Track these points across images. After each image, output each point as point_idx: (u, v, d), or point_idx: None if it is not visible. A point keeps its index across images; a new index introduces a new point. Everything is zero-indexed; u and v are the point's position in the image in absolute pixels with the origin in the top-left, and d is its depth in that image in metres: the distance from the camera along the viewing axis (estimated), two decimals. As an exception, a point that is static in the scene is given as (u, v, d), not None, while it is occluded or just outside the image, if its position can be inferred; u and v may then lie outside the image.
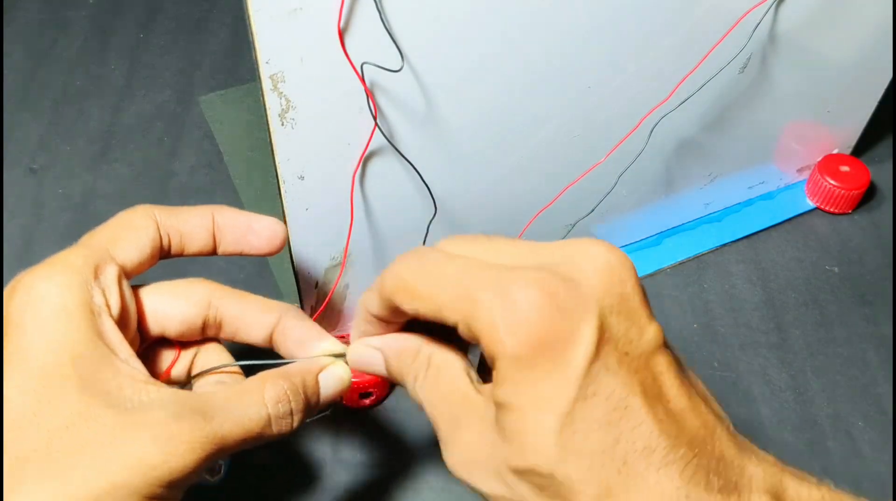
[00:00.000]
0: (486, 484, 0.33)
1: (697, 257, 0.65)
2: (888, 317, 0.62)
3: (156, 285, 0.41)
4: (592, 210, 0.56)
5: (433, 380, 0.36)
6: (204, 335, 0.41)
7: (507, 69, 0.46)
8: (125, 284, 0.38)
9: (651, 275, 0.64)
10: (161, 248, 0.40)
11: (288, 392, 0.37)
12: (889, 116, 0.73)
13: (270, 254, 0.42)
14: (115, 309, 0.37)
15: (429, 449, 0.54)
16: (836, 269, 0.65)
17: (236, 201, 0.66)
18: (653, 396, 0.31)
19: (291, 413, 0.38)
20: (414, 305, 0.33)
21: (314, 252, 0.49)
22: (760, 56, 0.55)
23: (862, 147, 0.71)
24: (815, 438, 0.55)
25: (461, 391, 0.35)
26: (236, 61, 0.78)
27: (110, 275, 0.38)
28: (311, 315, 0.53)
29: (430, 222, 0.50)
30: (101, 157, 0.70)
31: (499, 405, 0.32)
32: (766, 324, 0.61)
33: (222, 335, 0.42)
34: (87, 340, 0.34)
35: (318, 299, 0.52)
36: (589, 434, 0.30)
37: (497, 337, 0.31)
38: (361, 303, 0.38)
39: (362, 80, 0.41)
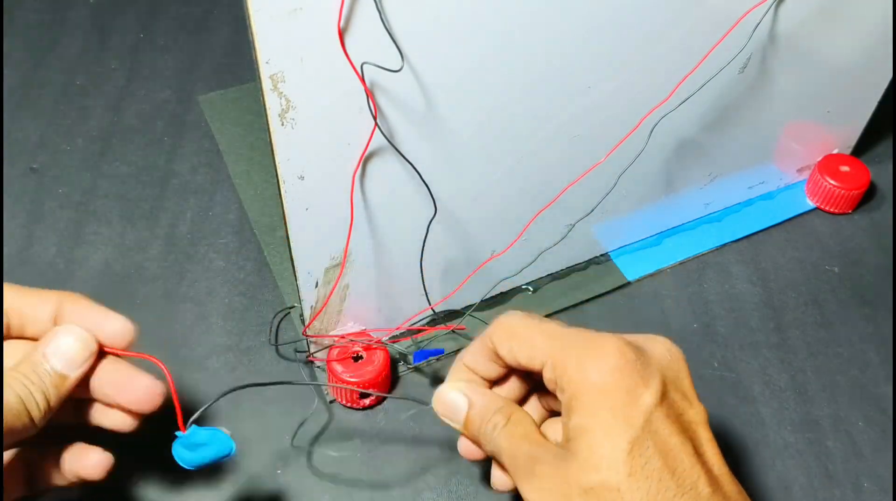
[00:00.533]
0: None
1: (698, 257, 0.65)
2: (888, 317, 0.62)
3: None
4: (592, 210, 0.56)
5: (512, 428, 0.42)
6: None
7: (507, 69, 0.46)
8: None
9: (651, 275, 0.64)
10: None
11: (21, 379, 0.38)
12: (889, 116, 0.73)
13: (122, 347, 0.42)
14: None
15: (428, 450, 0.54)
16: (836, 269, 0.65)
17: (236, 201, 0.66)
18: (698, 455, 0.39)
19: (32, 397, 0.38)
20: (513, 346, 0.42)
21: (314, 252, 0.49)
22: (760, 56, 0.55)
23: (862, 147, 0.71)
24: (815, 438, 0.55)
25: (535, 436, 0.42)
26: (236, 61, 0.78)
27: None
28: (311, 316, 0.53)
29: (431, 221, 0.50)
30: (101, 156, 0.70)
31: (575, 431, 0.38)
32: (766, 324, 0.61)
33: (14, 334, 0.41)
34: None
35: (318, 299, 0.52)
36: (652, 461, 0.37)
37: (583, 372, 0.39)
38: (459, 358, 0.46)
39: (362, 80, 0.41)
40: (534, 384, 0.46)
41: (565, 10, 0.44)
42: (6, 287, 0.41)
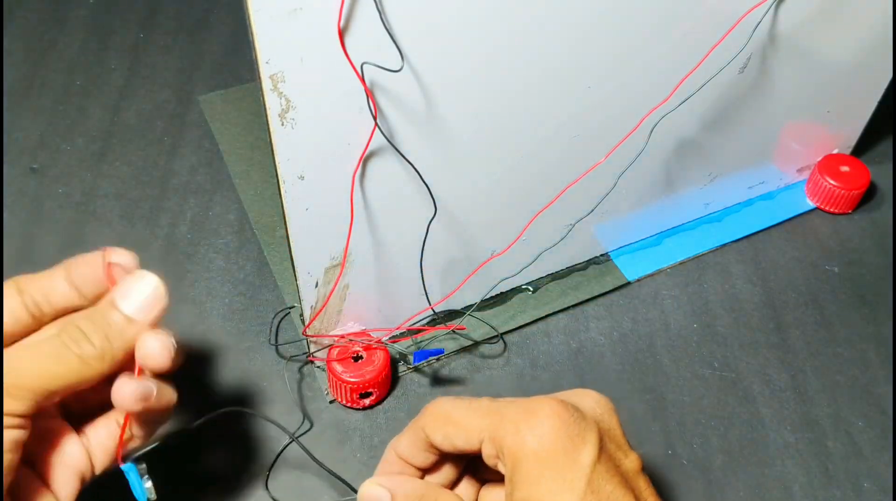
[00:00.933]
0: None
1: (697, 257, 0.65)
2: (888, 317, 0.62)
3: None
4: (592, 210, 0.56)
5: None
6: (38, 321, 0.41)
7: (507, 69, 0.46)
8: None
9: (651, 275, 0.64)
10: (31, 314, 0.41)
11: (79, 324, 0.39)
12: (889, 116, 0.73)
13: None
14: None
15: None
16: (836, 269, 0.65)
17: (236, 201, 0.66)
18: None
19: (86, 338, 0.39)
20: (448, 432, 0.41)
21: (314, 252, 0.49)
22: (760, 56, 0.55)
23: (862, 147, 0.71)
24: (815, 438, 0.55)
25: None
26: (236, 61, 0.78)
27: None
28: (311, 316, 0.53)
29: (430, 221, 0.50)
30: (101, 156, 0.70)
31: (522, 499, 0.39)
32: (766, 324, 0.61)
33: (47, 315, 0.42)
34: None
35: (318, 299, 0.52)
36: None
37: (521, 440, 0.38)
38: (390, 446, 0.45)
39: (362, 80, 0.41)
40: (466, 463, 0.46)
41: (565, 10, 0.44)
42: (23, 277, 0.41)
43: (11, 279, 0.41)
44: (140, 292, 0.41)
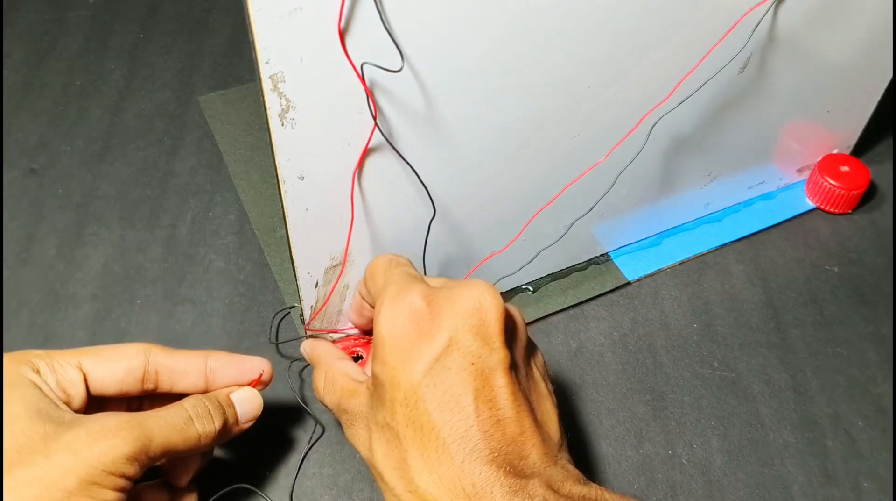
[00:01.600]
0: (361, 445, 0.44)
1: (697, 257, 0.65)
2: (888, 317, 0.62)
3: (97, 350, 0.45)
4: (591, 209, 0.56)
5: (329, 388, 0.48)
6: (144, 389, 0.46)
7: (507, 69, 0.46)
8: (71, 380, 0.44)
9: (651, 275, 0.64)
10: (143, 380, 0.46)
11: (205, 402, 0.46)
12: (889, 115, 0.73)
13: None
14: (59, 394, 0.43)
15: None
16: (835, 269, 0.65)
17: (236, 201, 0.66)
18: (484, 400, 0.40)
19: (214, 423, 0.46)
20: (367, 284, 0.48)
21: (314, 252, 0.49)
22: (760, 56, 0.55)
23: (862, 147, 0.71)
24: (815, 438, 0.55)
25: (347, 388, 0.46)
26: (236, 61, 0.78)
27: (63, 375, 0.44)
28: (311, 316, 0.53)
29: (431, 222, 0.50)
30: (101, 156, 0.70)
31: (374, 379, 0.43)
32: (765, 324, 0.61)
33: (162, 388, 0.47)
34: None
35: (318, 299, 0.52)
36: (427, 411, 0.40)
37: (379, 323, 0.42)
38: (357, 285, 0.52)
39: (362, 80, 0.41)
40: None
41: (565, 11, 0.44)
42: (157, 347, 0.47)
43: (144, 344, 0.47)
44: (251, 405, 0.49)
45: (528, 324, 0.60)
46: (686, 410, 0.56)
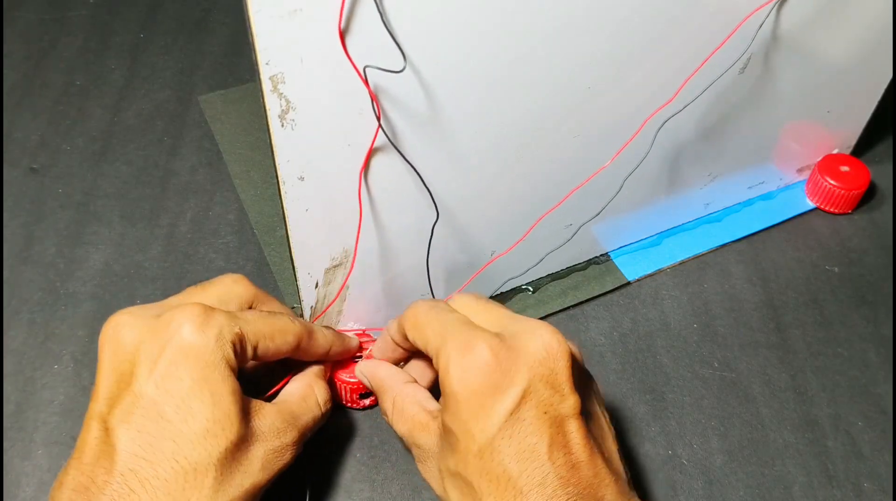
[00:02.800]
0: (434, 483, 0.46)
1: (697, 257, 0.65)
2: (888, 317, 0.62)
3: (271, 333, 0.47)
4: (598, 213, 0.56)
5: (398, 416, 0.48)
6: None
7: (510, 70, 0.45)
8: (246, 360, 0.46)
9: (651, 275, 0.64)
10: (296, 349, 0.49)
11: (327, 393, 0.51)
12: (889, 116, 0.73)
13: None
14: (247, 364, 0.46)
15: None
16: (836, 269, 0.65)
17: (236, 201, 0.66)
18: (558, 447, 0.41)
19: (330, 405, 0.51)
20: (413, 334, 0.47)
21: (314, 253, 0.49)
22: (761, 57, 0.55)
23: (862, 147, 0.71)
24: (815, 438, 0.55)
25: (419, 421, 0.47)
26: (236, 61, 0.78)
27: (242, 356, 0.45)
28: (311, 316, 0.53)
29: (434, 225, 0.50)
30: (101, 156, 0.70)
31: (444, 428, 0.43)
32: (766, 324, 0.61)
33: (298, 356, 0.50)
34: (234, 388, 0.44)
35: (318, 300, 0.52)
36: (502, 463, 0.40)
37: (449, 372, 0.42)
38: (387, 327, 0.51)
39: (365, 81, 0.41)
40: None
41: (569, 13, 0.44)
42: (304, 337, 0.49)
43: (301, 330, 0.49)
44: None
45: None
46: (686, 410, 0.56)
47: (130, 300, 0.60)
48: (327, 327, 0.54)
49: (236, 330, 0.44)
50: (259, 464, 0.43)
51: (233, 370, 0.43)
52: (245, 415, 0.43)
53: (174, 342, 0.42)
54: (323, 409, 0.50)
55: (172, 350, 0.42)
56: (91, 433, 0.41)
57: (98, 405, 0.42)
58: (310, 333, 0.49)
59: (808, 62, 0.58)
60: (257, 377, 0.51)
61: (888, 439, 0.55)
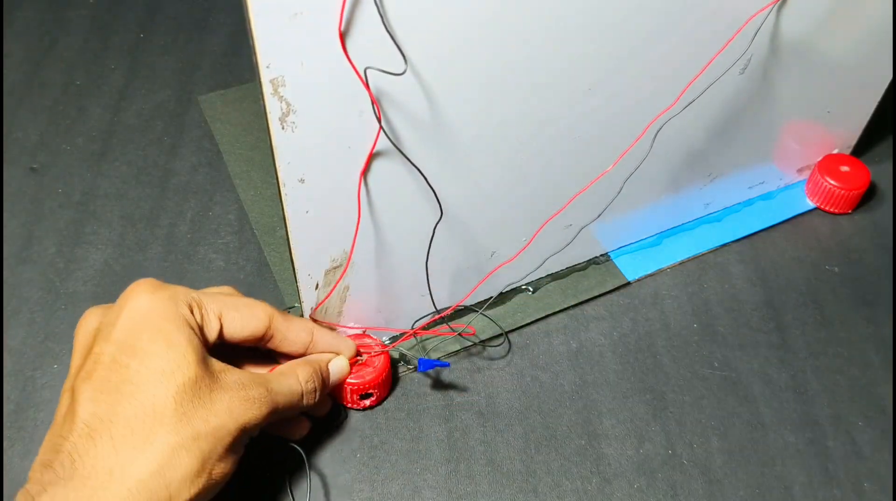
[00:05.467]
0: None
1: (698, 258, 0.65)
2: (888, 317, 0.62)
3: (235, 304, 0.49)
4: (599, 215, 0.56)
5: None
6: (260, 344, 0.50)
7: (511, 71, 0.45)
8: (213, 327, 0.48)
9: (651, 275, 0.64)
10: (262, 338, 0.50)
11: (311, 373, 0.50)
12: (889, 116, 0.73)
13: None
14: (213, 335, 0.47)
15: (428, 449, 0.54)
16: (836, 269, 0.65)
17: (236, 201, 0.66)
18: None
19: (315, 389, 0.50)
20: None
21: (315, 255, 0.49)
22: (761, 57, 0.55)
23: (862, 147, 0.71)
24: (815, 438, 0.55)
25: None
26: (236, 61, 0.78)
27: (207, 322, 0.47)
28: (311, 316, 0.53)
29: (437, 224, 0.50)
30: (101, 156, 0.70)
31: None
32: (766, 324, 0.61)
33: (269, 345, 0.51)
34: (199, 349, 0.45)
35: (318, 301, 0.52)
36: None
37: None
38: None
39: (366, 84, 0.41)
40: None
41: (569, 16, 0.44)
42: (277, 313, 0.50)
43: (268, 306, 0.50)
44: (341, 373, 0.53)
45: (528, 324, 0.60)
46: (686, 410, 0.56)
47: (131, 301, 0.60)
48: (329, 327, 0.55)
49: (193, 296, 0.47)
50: (224, 406, 0.44)
51: (192, 328, 0.45)
52: (204, 363, 0.45)
53: (129, 307, 0.45)
54: (302, 387, 0.49)
55: (128, 313, 0.44)
56: (62, 404, 0.44)
57: (68, 381, 0.45)
58: (284, 315, 0.50)
59: (809, 62, 0.58)
60: None
61: (888, 439, 0.55)
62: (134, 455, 0.41)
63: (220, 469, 0.44)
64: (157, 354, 0.43)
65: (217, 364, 0.46)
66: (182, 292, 0.46)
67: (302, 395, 0.49)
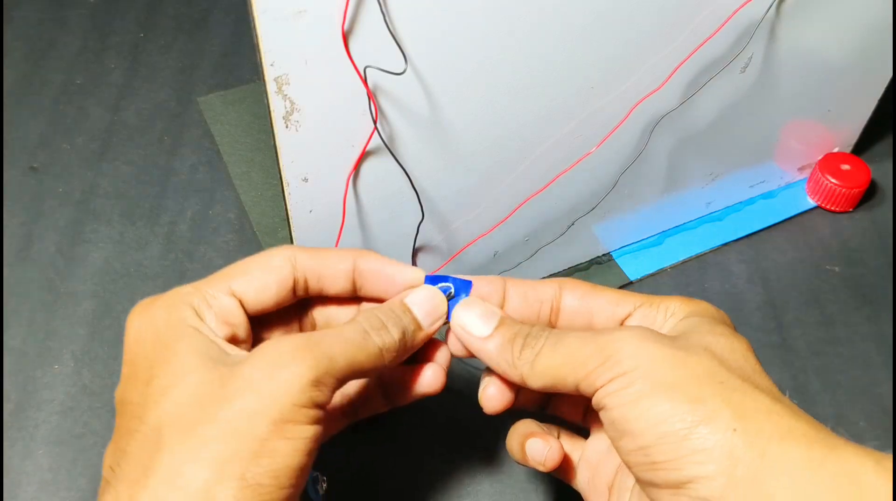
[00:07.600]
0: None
1: (698, 257, 0.65)
2: (889, 316, 0.62)
3: (243, 268, 0.41)
4: (592, 209, 0.56)
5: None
6: (297, 296, 0.43)
7: (511, 72, 0.46)
8: (229, 309, 0.40)
9: (653, 274, 0.64)
10: (294, 289, 0.42)
11: (377, 313, 0.41)
12: (889, 114, 0.73)
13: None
14: (222, 330, 0.40)
15: (429, 450, 0.54)
16: (837, 268, 0.65)
17: (236, 200, 0.66)
18: None
19: (386, 326, 0.40)
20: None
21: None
22: (761, 56, 0.55)
23: (863, 145, 0.71)
24: (816, 437, 0.55)
25: None
26: (236, 61, 0.78)
27: (220, 307, 0.40)
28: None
29: (420, 225, 0.50)
30: (101, 155, 0.69)
31: None
32: (767, 324, 0.61)
33: (312, 293, 0.43)
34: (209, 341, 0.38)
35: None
36: None
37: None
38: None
39: (365, 82, 0.41)
40: None
41: (567, 16, 0.44)
42: (300, 250, 0.42)
43: (286, 247, 0.42)
44: (430, 305, 0.43)
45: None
46: (688, 410, 0.56)
47: (130, 299, 0.60)
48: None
49: (188, 291, 0.40)
50: (244, 393, 0.35)
51: (195, 328, 0.38)
52: (211, 362, 0.37)
53: (124, 343, 0.39)
54: (366, 328, 0.40)
55: (125, 350, 0.39)
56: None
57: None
58: (313, 251, 0.43)
59: (809, 61, 0.58)
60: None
61: (890, 439, 0.55)
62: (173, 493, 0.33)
63: (282, 450, 0.35)
64: (159, 376, 0.37)
65: (240, 353, 0.38)
66: (178, 295, 0.40)
67: (374, 343, 0.39)
